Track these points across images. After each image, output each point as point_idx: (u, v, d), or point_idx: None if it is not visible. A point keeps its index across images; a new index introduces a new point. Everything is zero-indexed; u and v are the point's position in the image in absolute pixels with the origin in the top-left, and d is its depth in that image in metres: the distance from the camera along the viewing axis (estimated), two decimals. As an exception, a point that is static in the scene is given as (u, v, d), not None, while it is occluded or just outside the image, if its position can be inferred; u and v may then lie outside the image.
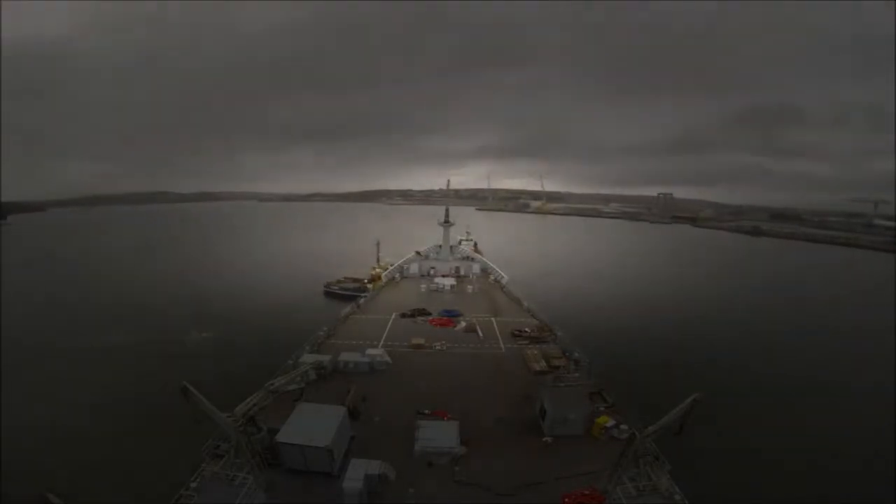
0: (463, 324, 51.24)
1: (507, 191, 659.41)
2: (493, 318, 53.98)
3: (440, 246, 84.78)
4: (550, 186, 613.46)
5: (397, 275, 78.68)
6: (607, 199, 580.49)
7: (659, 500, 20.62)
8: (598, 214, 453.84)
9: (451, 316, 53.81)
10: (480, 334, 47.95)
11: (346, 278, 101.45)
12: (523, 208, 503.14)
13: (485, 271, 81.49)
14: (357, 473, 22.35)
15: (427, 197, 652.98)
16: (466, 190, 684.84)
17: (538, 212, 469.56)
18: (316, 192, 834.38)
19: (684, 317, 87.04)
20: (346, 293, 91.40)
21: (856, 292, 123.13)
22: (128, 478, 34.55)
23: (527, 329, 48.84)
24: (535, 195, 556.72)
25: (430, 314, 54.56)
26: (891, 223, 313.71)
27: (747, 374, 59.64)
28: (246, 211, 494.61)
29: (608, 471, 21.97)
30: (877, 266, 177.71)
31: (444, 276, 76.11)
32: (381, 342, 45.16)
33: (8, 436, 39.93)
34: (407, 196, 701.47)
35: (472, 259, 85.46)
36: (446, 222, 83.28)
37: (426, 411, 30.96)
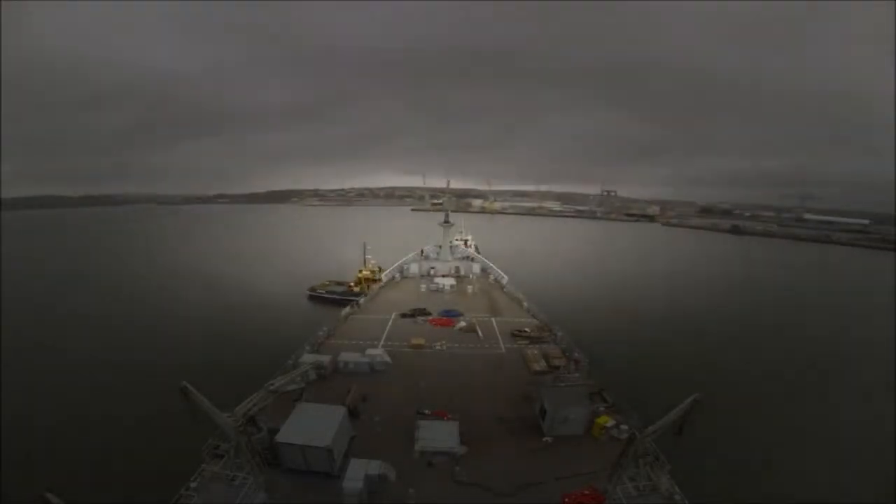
0: (463, 324, 51.22)
1: (453, 190, 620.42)
2: (493, 318, 53.95)
3: (440, 246, 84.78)
4: (492, 185, 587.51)
5: (397, 275, 78.64)
6: (545, 195, 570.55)
7: (659, 500, 20.61)
8: (549, 213, 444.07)
9: (451, 316, 53.79)
10: (480, 334, 47.93)
11: (330, 282, 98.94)
12: (466, 207, 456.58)
13: (485, 271, 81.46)
14: (357, 473, 22.36)
15: (342, 197, 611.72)
16: (403, 188, 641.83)
17: (484, 211, 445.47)
18: (220, 194, 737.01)
19: (694, 316, 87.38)
20: (332, 297, 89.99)
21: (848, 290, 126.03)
22: (128, 478, 34.61)
23: (527, 329, 48.83)
24: (482, 194, 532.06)
25: (430, 314, 54.53)
26: (821, 217, 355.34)
27: (747, 374, 59.75)
28: (148, 216, 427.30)
29: (608, 471, 21.96)
30: (860, 263, 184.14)
31: (444, 276, 76.08)
32: (381, 342, 45.15)
33: (8, 435, 40.03)
34: (321, 196, 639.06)
35: (472, 259, 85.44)
36: (446, 222, 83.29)
37: (426, 411, 30.95)
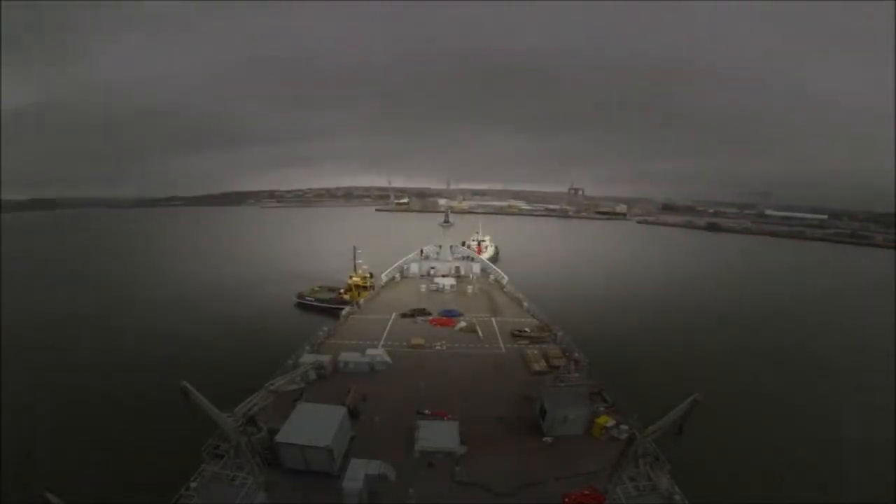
0: (463, 324, 51.23)
1: (414, 190, 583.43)
2: (493, 318, 53.96)
3: (440, 246, 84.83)
4: (451, 185, 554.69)
5: (397, 275, 78.66)
6: (517, 195, 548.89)
7: (659, 500, 20.61)
8: (520, 212, 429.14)
9: (451, 316, 53.78)
10: (480, 334, 47.93)
11: (320, 288, 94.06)
12: (432, 207, 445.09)
13: (485, 271, 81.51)
14: (357, 473, 22.34)
15: (300, 198, 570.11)
16: (361, 188, 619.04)
17: (451, 210, 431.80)
18: (174, 196, 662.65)
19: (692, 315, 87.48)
20: (321, 305, 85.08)
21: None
22: (128, 478, 34.60)
23: (527, 329, 48.83)
24: (450, 193, 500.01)
25: (430, 314, 54.53)
26: (781, 213, 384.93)
27: (744, 374, 59.76)
28: (101, 220, 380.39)
29: (608, 471, 21.99)
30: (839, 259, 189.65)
31: (444, 276, 76.10)
32: (381, 342, 45.14)
33: (8, 435, 40.02)
34: (279, 197, 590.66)
35: (472, 259, 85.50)
36: (446, 223, 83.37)
37: (426, 411, 30.95)
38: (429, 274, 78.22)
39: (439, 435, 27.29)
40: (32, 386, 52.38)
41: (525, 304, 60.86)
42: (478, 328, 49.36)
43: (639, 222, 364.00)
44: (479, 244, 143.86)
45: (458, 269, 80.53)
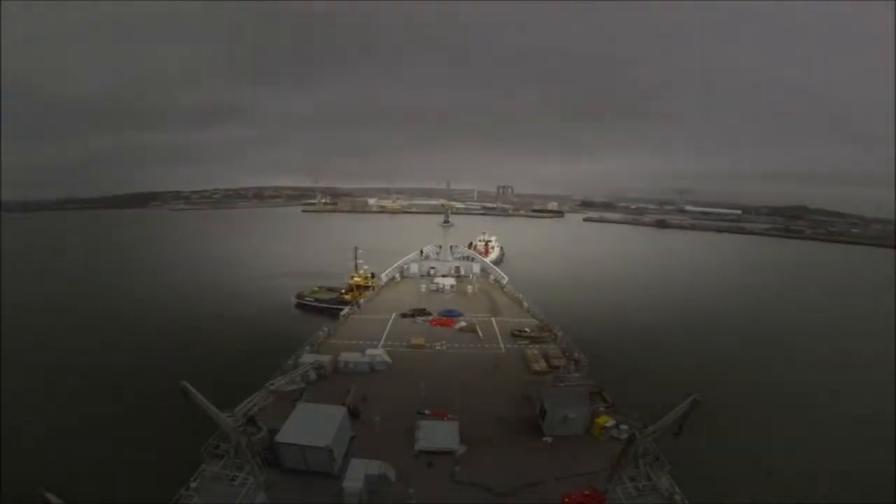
0: (463, 324, 51.24)
1: (345, 190, 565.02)
2: (493, 318, 53.96)
3: (440, 246, 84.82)
4: (383, 184, 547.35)
5: (397, 275, 78.67)
6: (449, 193, 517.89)
7: (659, 500, 20.60)
8: (456, 211, 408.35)
9: (451, 316, 53.78)
10: (480, 334, 47.93)
11: (320, 288, 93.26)
12: (363, 207, 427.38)
13: (485, 271, 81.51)
14: (357, 473, 22.36)
15: (209, 199, 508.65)
16: (291, 188, 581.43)
17: (384, 210, 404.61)
18: (69, 198, 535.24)
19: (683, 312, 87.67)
20: (322, 305, 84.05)
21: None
22: (127, 478, 34.59)
23: (527, 329, 48.83)
24: (380, 193, 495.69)
25: (430, 314, 54.51)
26: (698, 208, 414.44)
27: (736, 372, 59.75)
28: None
29: (608, 471, 21.97)
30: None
31: (444, 276, 76.09)
32: (381, 342, 45.14)
33: (7, 436, 40.00)
34: (186, 199, 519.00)
35: (472, 259, 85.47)
36: (446, 223, 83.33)
37: (426, 411, 30.95)
38: (429, 274, 78.21)
39: (439, 435, 27.30)
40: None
41: (525, 304, 60.88)
42: (478, 328, 49.36)
43: (585, 220, 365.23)
44: (486, 245, 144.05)
45: (458, 269, 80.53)
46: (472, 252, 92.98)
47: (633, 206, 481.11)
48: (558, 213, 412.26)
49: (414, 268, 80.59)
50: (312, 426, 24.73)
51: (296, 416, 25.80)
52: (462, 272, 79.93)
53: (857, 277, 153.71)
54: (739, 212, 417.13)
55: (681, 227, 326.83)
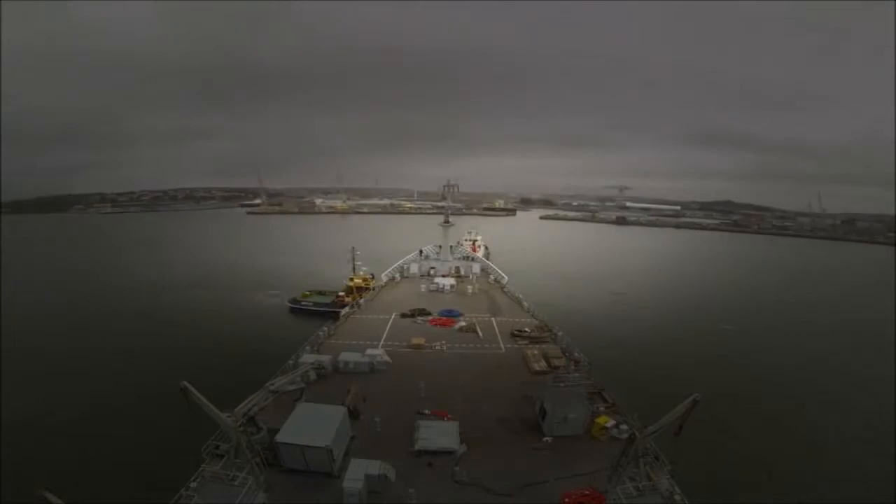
0: (463, 324, 51.25)
1: (293, 190, 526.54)
2: (493, 318, 53.97)
3: (440, 246, 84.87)
4: (324, 183, 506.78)
5: (397, 275, 78.70)
6: (394, 193, 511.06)
7: (659, 500, 20.59)
8: (407, 211, 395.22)
9: (451, 316, 53.80)
10: (480, 334, 47.94)
11: (311, 292, 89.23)
12: (310, 208, 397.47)
13: (485, 271, 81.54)
14: (357, 473, 22.35)
15: (136, 201, 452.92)
16: (227, 190, 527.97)
17: (335, 212, 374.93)
18: None
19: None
20: (319, 309, 79.68)
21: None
22: (127, 477, 34.60)
23: (527, 329, 48.83)
24: (327, 191, 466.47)
25: (430, 314, 54.52)
26: (639, 205, 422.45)
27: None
28: None
29: (608, 471, 21.96)
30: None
31: (444, 276, 76.10)
32: (381, 342, 45.14)
33: (7, 436, 39.99)
34: (112, 201, 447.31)
35: (473, 259, 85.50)
36: (446, 222, 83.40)
37: (426, 411, 30.94)
38: (429, 274, 78.24)
39: (439, 435, 27.29)
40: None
41: (525, 304, 60.89)
42: (478, 328, 49.37)
43: (541, 218, 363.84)
44: (473, 244, 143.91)
45: (458, 269, 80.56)
46: (471, 252, 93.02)
47: (574, 203, 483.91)
48: (510, 211, 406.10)
49: (414, 268, 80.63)
50: (312, 426, 24.70)
51: (296, 416, 25.78)
52: (462, 272, 79.96)
53: (848, 272, 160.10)
54: (678, 207, 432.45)
55: (638, 223, 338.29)
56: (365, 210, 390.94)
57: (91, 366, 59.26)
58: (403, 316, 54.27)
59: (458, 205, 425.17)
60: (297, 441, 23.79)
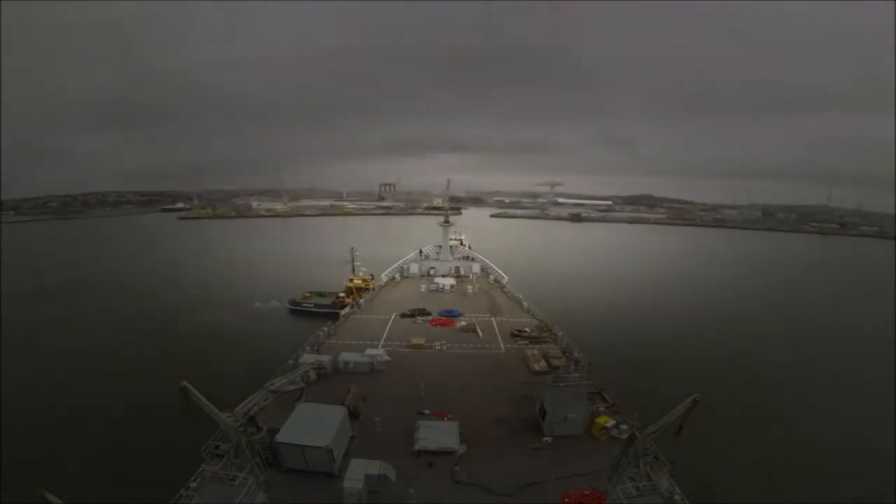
0: (463, 324, 51.25)
1: (217, 192, 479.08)
2: (493, 318, 53.96)
3: (440, 246, 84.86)
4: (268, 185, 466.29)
5: (397, 275, 78.70)
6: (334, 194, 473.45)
7: (659, 500, 20.60)
8: (350, 212, 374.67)
9: (451, 316, 53.80)
10: (480, 334, 47.94)
11: (311, 293, 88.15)
12: (246, 211, 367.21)
13: (485, 271, 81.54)
14: (357, 473, 22.34)
15: (43, 207, 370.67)
16: (143, 194, 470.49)
17: (276, 215, 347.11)
18: None
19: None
20: (320, 311, 79.03)
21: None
22: (127, 477, 34.59)
23: (527, 329, 48.83)
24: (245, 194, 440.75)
25: (430, 314, 54.50)
26: (571, 200, 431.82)
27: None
28: None
29: (608, 471, 21.97)
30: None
31: (444, 276, 76.06)
32: (381, 342, 45.12)
33: (7, 436, 39.98)
34: (18, 209, 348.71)
35: (473, 259, 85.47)
36: (446, 222, 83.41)
37: (426, 411, 30.93)
38: (429, 274, 78.20)
39: (439, 435, 27.29)
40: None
41: (525, 304, 60.90)
42: (478, 328, 49.37)
43: (492, 216, 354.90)
44: (460, 243, 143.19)
45: (458, 269, 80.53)
46: (471, 252, 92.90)
47: (507, 201, 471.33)
48: (456, 210, 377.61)
49: (414, 268, 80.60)
50: (312, 426, 24.71)
51: (296, 416, 25.77)
52: (462, 272, 79.94)
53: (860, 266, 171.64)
54: (609, 202, 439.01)
55: (589, 219, 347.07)
56: (308, 212, 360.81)
57: (91, 365, 59.39)
58: (403, 316, 54.26)
59: (401, 204, 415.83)
60: (297, 441, 23.79)
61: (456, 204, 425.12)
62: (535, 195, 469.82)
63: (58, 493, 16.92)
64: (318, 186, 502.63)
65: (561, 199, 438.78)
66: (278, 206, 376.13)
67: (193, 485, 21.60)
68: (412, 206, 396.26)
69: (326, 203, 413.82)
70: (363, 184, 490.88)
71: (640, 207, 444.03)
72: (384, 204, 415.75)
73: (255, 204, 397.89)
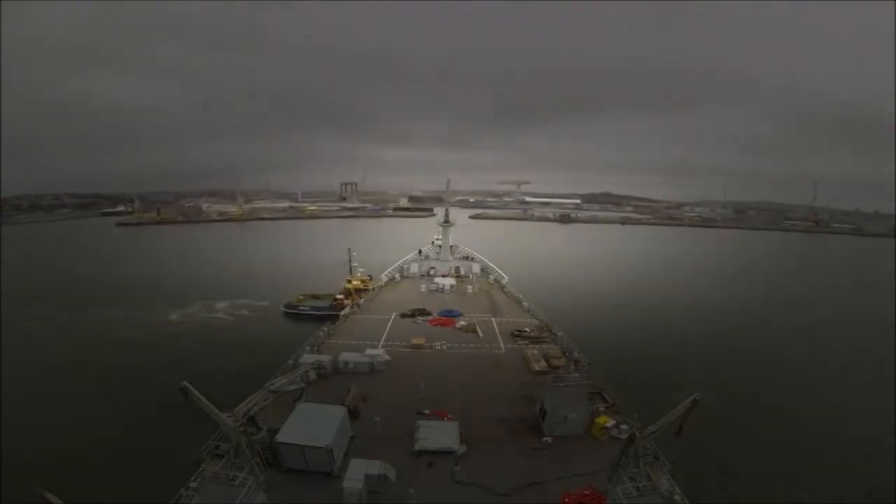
0: (463, 324, 51.24)
1: (169, 193, 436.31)
2: (493, 318, 53.95)
3: (440, 246, 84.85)
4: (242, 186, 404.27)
5: (397, 275, 78.70)
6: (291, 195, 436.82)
7: (659, 500, 20.61)
8: (315, 214, 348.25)
9: (451, 316, 53.79)
10: (480, 334, 47.93)
11: (304, 296, 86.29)
12: (195, 215, 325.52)
13: (485, 271, 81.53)
14: (357, 473, 22.34)
15: None
16: (81, 196, 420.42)
17: (231, 219, 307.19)
18: None
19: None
20: (317, 314, 76.69)
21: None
22: (127, 477, 34.59)
23: (527, 329, 48.83)
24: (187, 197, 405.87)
25: (430, 314, 54.49)
26: (539, 199, 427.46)
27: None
28: None
29: (608, 471, 21.97)
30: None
31: (444, 276, 76.05)
32: (381, 342, 45.12)
33: (7, 436, 39.98)
34: None
35: (472, 259, 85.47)
36: (446, 222, 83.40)
37: (426, 411, 30.93)
38: (429, 274, 78.18)
39: (439, 435, 27.29)
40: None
41: (525, 303, 60.89)
42: (478, 328, 49.37)
43: (471, 217, 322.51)
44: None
45: (458, 269, 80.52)
46: (471, 252, 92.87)
47: (471, 200, 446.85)
48: (428, 211, 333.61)
49: (414, 268, 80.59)
50: (312, 426, 24.70)
51: (296, 416, 25.76)
52: (462, 272, 79.92)
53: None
54: (579, 200, 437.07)
55: (578, 220, 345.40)
56: (266, 215, 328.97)
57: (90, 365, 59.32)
58: (403, 316, 54.24)
59: (366, 205, 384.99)
60: (297, 441, 23.79)
61: (417, 204, 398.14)
62: (498, 194, 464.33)
63: (58, 493, 16.91)
64: (269, 187, 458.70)
65: (528, 198, 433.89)
66: (233, 209, 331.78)
67: (193, 485, 21.59)
68: (382, 207, 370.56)
69: (285, 205, 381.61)
70: (320, 184, 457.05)
71: (607, 206, 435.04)
72: (349, 205, 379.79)
73: (205, 206, 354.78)
